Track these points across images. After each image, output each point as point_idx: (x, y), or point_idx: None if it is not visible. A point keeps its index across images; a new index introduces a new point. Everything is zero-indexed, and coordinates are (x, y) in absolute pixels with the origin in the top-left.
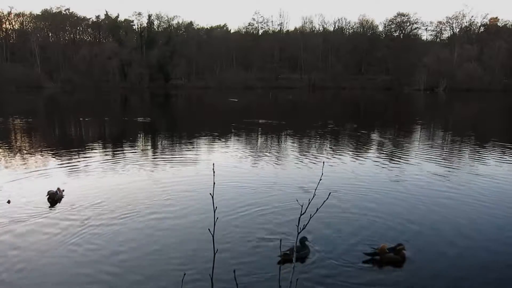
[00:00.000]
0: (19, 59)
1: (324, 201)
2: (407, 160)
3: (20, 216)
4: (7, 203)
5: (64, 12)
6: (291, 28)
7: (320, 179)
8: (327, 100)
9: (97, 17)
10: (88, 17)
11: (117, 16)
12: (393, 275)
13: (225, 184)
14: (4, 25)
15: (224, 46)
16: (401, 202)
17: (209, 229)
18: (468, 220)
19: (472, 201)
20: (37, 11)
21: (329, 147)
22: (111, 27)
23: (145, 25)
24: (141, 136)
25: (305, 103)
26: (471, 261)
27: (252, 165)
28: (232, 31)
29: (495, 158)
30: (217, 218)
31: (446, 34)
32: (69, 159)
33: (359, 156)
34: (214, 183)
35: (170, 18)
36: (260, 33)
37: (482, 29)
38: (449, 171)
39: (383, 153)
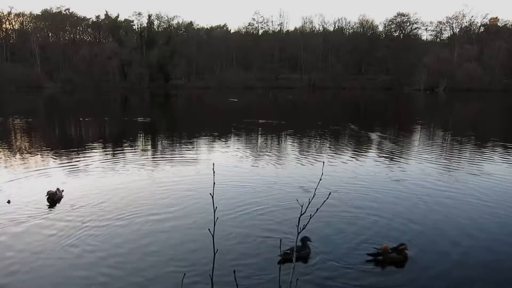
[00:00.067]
0: (19, 59)
1: (324, 201)
2: (407, 160)
3: (19, 216)
4: (7, 203)
5: (64, 12)
6: (291, 28)
7: (320, 179)
8: (327, 100)
9: (97, 17)
10: (88, 17)
11: (117, 16)
12: (396, 275)
13: (225, 184)
14: (4, 25)
15: (224, 46)
16: (402, 202)
17: (209, 229)
18: (470, 220)
19: (473, 200)
20: (37, 11)
21: (329, 147)
22: (111, 27)
23: (145, 25)
24: (141, 136)
25: (305, 103)
26: (474, 260)
27: (252, 165)
28: (232, 31)
29: (495, 158)
30: (217, 218)
31: (446, 34)
32: (69, 159)
33: (359, 156)
34: (214, 183)
35: (170, 18)
36: (260, 33)
37: (482, 29)
38: (449, 171)
39: (383, 153)
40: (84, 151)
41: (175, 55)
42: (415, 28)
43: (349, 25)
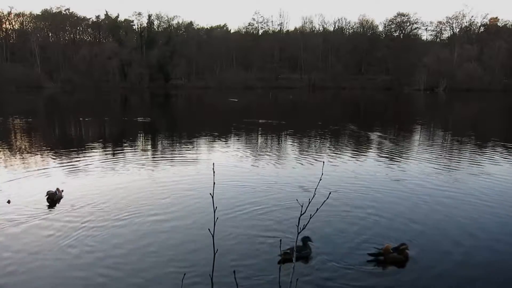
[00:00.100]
0: (19, 59)
1: (324, 201)
2: (407, 160)
3: (19, 217)
4: (7, 203)
5: (64, 12)
6: (291, 28)
7: (320, 179)
8: (327, 100)
9: (97, 17)
10: (88, 17)
11: (117, 16)
12: (397, 275)
13: (225, 184)
14: (4, 25)
15: (224, 46)
16: (402, 202)
17: (209, 229)
18: (471, 220)
19: (474, 200)
20: (37, 11)
21: (329, 147)
22: (111, 27)
23: (145, 25)
24: (141, 136)
25: (305, 103)
26: (475, 260)
27: (252, 165)
28: (232, 31)
29: (496, 157)
30: (217, 218)
31: (446, 34)
32: (68, 159)
33: (359, 156)
34: (214, 183)
35: (170, 18)
36: (260, 33)
37: (482, 29)
38: (449, 171)
39: (383, 153)
40: (84, 151)
41: (175, 55)
42: (415, 28)
43: (349, 25)
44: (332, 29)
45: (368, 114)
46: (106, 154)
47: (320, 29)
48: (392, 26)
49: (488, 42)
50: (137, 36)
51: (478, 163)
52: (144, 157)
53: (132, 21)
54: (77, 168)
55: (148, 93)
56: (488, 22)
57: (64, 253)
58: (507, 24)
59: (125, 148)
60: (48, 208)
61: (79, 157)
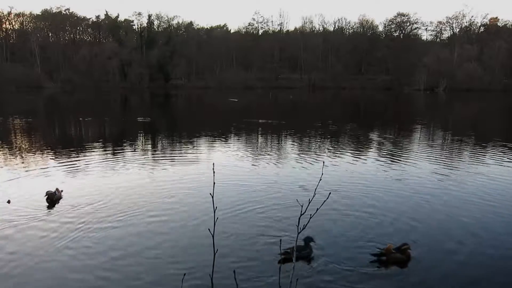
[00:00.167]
0: (19, 59)
1: (324, 201)
2: (408, 160)
3: (18, 217)
4: (7, 203)
5: (64, 12)
6: (291, 28)
7: (320, 179)
8: (327, 100)
9: (97, 17)
10: (88, 17)
11: (117, 16)
12: (399, 275)
13: (225, 184)
14: (4, 25)
15: (224, 46)
16: (403, 202)
17: (209, 229)
18: (474, 219)
19: (476, 200)
20: (37, 11)
21: (329, 147)
22: (111, 27)
23: (145, 25)
24: (141, 136)
25: (305, 103)
26: (478, 260)
27: (252, 165)
28: (232, 31)
29: (496, 158)
30: (217, 218)
31: (446, 34)
32: (68, 159)
33: (359, 156)
34: (214, 183)
35: (170, 18)
36: (260, 33)
37: (482, 29)
38: (450, 171)
39: (383, 153)
40: (83, 151)
41: (175, 55)
42: (415, 28)
43: (349, 25)
44: (332, 29)
45: (368, 114)
46: (106, 154)
47: (320, 29)
48: (392, 26)
49: (488, 42)
50: (137, 36)
51: (479, 163)
52: (144, 157)
53: (132, 21)
54: (76, 168)
55: (148, 93)
56: (488, 22)
57: (63, 253)
58: (507, 24)
59: (125, 148)
60: (48, 208)
61: (79, 157)
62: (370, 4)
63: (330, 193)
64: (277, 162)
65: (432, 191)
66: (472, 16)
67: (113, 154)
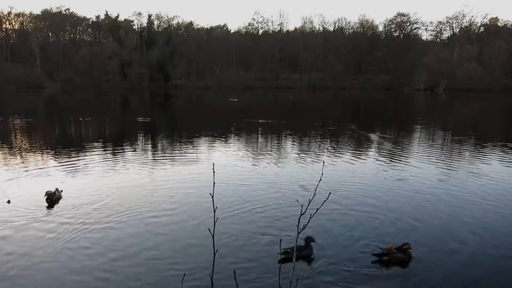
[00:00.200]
0: (19, 59)
1: (324, 201)
2: (408, 160)
3: (17, 217)
4: (7, 203)
5: (64, 12)
6: (291, 28)
7: (320, 179)
8: (327, 100)
9: (97, 17)
10: (88, 17)
11: (117, 16)
12: (402, 274)
13: (225, 183)
14: (4, 25)
15: (224, 46)
16: (404, 201)
17: (209, 229)
18: (475, 219)
19: (478, 200)
20: (37, 11)
21: (329, 147)
22: (111, 27)
23: (145, 25)
24: (141, 136)
25: (305, 103)
26: (480, 260)
27: (252, 165)
28: (232, 31)
29: (496, 158)
30: (217, 218)
31: (446, 34)
32: (68, 159)
33: (360, 156)
34: (214, 183)
35: (170, 18)
36: (260, 33)
37: (482, 29)
38: (450, 171)
39: (383, 153)
40: (83, 151)
41: (175, 55)
42: (415, 28)
43: (349, 25)
44: (332, 29)
45: (368, 114)
46: (105, 154)
47: (320, 29)
48: (392, 26)
49: (488, 42)
50: (137, 36)
51: (479, 163)
52: (144, 157)
53: (132, 21)
54: (76, 168)
55: (148, 93)
56: (488, 22)
57: (62, 254)
58: (507, 24)
59: (125, 148)
60: (47, 208)
61: (79, 157)
62: (370, 4)
63: (330, 193)
64: (277, 162)
65: (433, 190)
66: (472, 16)
67: (113, 154)
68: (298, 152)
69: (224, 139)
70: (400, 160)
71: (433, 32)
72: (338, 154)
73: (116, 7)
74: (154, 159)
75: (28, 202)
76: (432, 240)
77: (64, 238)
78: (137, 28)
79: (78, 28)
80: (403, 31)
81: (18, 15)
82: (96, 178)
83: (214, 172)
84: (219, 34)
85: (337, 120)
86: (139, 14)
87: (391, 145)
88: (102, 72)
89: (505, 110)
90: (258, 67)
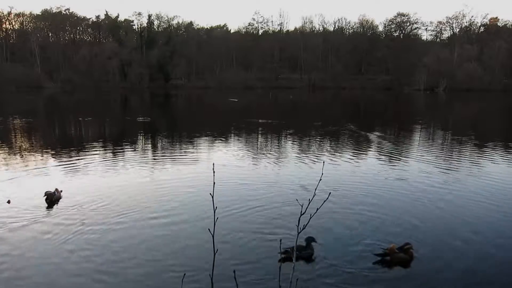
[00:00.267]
0: (19, 59)
1: (324, 201)
2: (408, 160)
3: (17, 217)
4: (7, 203)
5: (64, 12)
6: (291, 28)
7: (320, 179)
8: (327, 100)
9: (97, 17)
10: (88, 17)
11: (117, 16)
12: (403, 275)
13: (225, 183)
14: (4, 25)
15: (224, 46)
16: (405, 201)
17: (209, 229)
18: (476, 218)
19: (478, 199)
20: (37, 11)
21: (329, 147)
22: (111, 27)
23: (145, 25)
24: (141, 136)
25: (305, 103)
26: (484, 260)
27: (252, 165)
28: (232, 31)
29: (497, 157)
30: (217, 218)
31: (446, 34)
32: (68, 159)
33: (360, 156)
34: (214, 183)
35: (170, 18)
36: (260, 33)
37: (482, 29)
38: (450, 170)
39: (383, 153)
40: (83, 151)
41: (175, 55)
42: (415, 28)
43: (349, 25)
44: (332, 29)
45: (368, 114)
46: (105, 154)
47: (320, 29)
48: (392, 26)
49: (488, 42)
50: (137, 36)
51: (479, 163)
52: (144, 157)
53: (132, 21)
54: (76, 168)
55: (148, 93)
56: (488, 22)
57: (62, 254)
58: (507, 24)
59: (125, 148)
60: (47, 208)
61: (79, 157)
62: (370, 4)
63: (330, 192)
64: (277, 162)
65: (434, 190)
66: (472, 16)
67: (113, 154)
68: (298, 152)
69: (224, 139)
70: (400, 160)
71: (433, 32)
72: (338, 154)
73: (116, 7)
74: (154, 159)
75: (28, 202)
76: (433, 239)
77: (64, 238)
78: (137, 28)
79: (78, 28)
80: (403, 31)
81: (18, 15)
82: (96, 178)
83: (214, 172)
84: (219, 34)
85: (337, 120)
86: (139, 14)
87: (391, 145)
88: (102, 72)
89: (505, 110)
90: (258, 67)
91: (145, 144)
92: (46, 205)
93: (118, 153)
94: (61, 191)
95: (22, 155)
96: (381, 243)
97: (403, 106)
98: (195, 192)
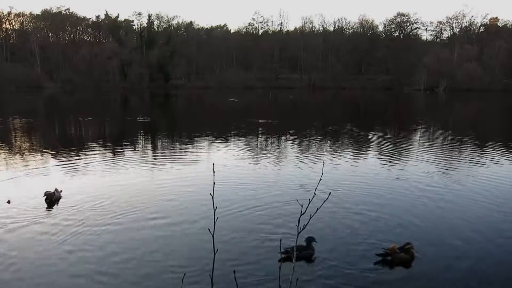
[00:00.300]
0: (19, 59)
1: (324, 201)
2: (408, 160)
3: (16, 217)
4: (7, 203)
5: (64, 12)
6: (291, 28)
7: (320, 179)
8: (327, 100)
9: (97, 17)
10: (88, 17)
11: (117, 16)
12: (404, 275)
13: (225, 184)
14: (4, 25)
15: (224, 46)
16: (405, 201)
17: (209, 229)
18: (477, 218)
19: (479, 199)
20: (37, 11)
21: (329, 147)
22: (111, 27)
23: (145, 25)
24: (141, 136)
25: (305, 103)
26: (485, 259)
27: (252, 165)
28: (232, 31)
29: (497, 157)
30: (217, 218)
31: (446, 34)
32: (68, 159)
33: (360, 156)
34: (214, 183)
35: (170, 18)
36: (260, 33)
37: (482, 29)
38: (451, 170)
39: (383, 153)
40: (83, 151)
41: (175, 55)
42: (415, 28)
43: (349, 25)
44: (332, 29)
45: (368, 114)
46: (105, 154)
47: (320, 29)
48: (392, 26)
49: (488, 42)
50: (137, 36)
51: (479, 163)
52: (144, 157)
53: (132, 21)
54: (76, 168)
55: (148, 93)
56: (488, 22)
57: (61, 255)
58: (507, 24)
59: (125, 148)
60: (46, 209)
61: (79, 157)
62: (370, 4)
63: (330, 193)
64: (277, 162)
65: (434, 190)
66: (472, 16)
67: (113, 154)
68: (298, 152)
69: (224, 139)
70: (400, 160)
71: (433, 32)
72: (338, 154)
73: (116, 7)
74: (154, 159)
75: (28, 202)
76: (434, 239)
77: (63, 238)
78: (137, 28)
79: (78, 28)
80: (403, 31)
81: (18, 15)
82: (95, 178)
83: (214, 172)
84: (219, 34)
85: (337, 120)
86: (139, 14)
87: (391, 145)
88: (102, 72)
89: (505, 110)
90: (258, 67)
91: (145, 144)
92: (46, 205)
93: (118, 153)
94: (61, 191)
95: (22, 155)
96: (382, 243)
97: (403, 106)
98: (195, 192)
